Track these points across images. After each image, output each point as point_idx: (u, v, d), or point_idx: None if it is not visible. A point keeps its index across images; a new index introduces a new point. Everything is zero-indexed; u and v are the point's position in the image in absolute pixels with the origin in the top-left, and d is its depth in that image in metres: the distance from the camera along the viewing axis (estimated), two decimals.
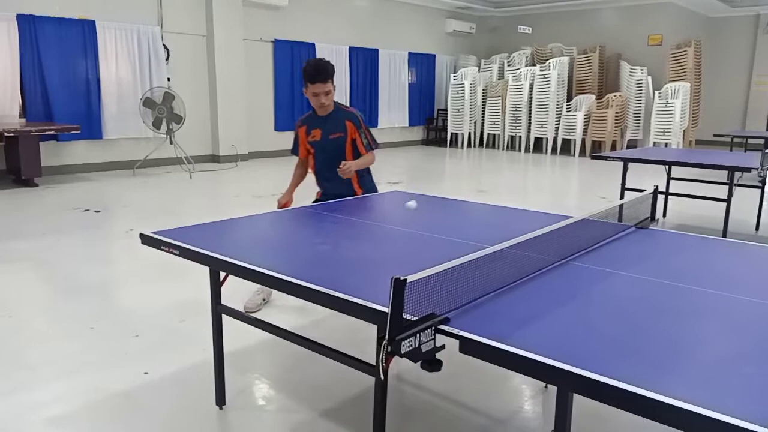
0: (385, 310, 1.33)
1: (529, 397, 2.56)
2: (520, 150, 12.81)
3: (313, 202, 3.31)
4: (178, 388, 2.57)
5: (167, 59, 9.23)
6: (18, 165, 7.29)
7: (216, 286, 2.27)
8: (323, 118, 3.34)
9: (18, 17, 7.67)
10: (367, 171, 3.48)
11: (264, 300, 3.50)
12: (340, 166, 3.18)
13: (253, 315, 3.34)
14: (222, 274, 2.26)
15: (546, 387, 2.59)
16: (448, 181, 9.40)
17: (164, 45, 9.16)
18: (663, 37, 12.47)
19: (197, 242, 2.07)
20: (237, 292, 3.68)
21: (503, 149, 13.05)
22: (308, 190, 3.61)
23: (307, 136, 3.38)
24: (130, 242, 4.96)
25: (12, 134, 6.98)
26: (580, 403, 1.53)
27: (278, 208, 3.37)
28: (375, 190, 3.51)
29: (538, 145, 12.72)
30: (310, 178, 3.60)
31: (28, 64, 7.86)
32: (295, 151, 3.54)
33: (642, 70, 12.15)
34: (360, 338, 2.96)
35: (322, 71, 3.17)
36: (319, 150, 3.38)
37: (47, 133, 7.61)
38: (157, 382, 2.61)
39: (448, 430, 2.29)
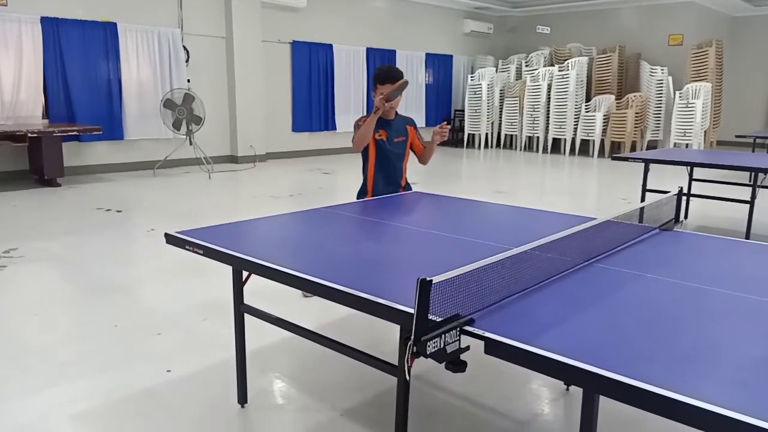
0: (411, 310, 1.34)
1: (550, 400, 2.54)
2: (537, 151, 12.74)
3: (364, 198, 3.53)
4: (200, 386, 2.60)
5: (187, 61, 9.33)
6: (41, 165, 7.41)
7: (239, 285, 2.29)
8: (389, 122, 3.57)
9: (42, 20, 7.80)
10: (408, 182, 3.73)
11: None
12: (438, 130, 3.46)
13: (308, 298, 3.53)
14: (245, 274, 2.28)
15: (567, 389, 2.58)
16: (466, 182, 9.37)
17: (184, 47, 9.26)
18: (684, 37, 12.32)
19: (221, 242, 2.09)
20: (259, 291, 3.71)
21: (521, 150, 12.98)
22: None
23: (374, 133, 3.57)
24: (152, 241, 5.02)
25: (35, 135, 7.10)
26: (603, 406, 1.52)
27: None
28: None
29: (556, 146, 12.63)
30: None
31: (51, 65, 7.99)
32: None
33: (662, 70, 12.02)
34: (378, 338, 2.97)
35: (394, 73, 3.44)
36: (381, 149, 3.58)
37: (70, 133, 7.73)
38: (179, 380, 2.64)
39: (470, 431, 2.28)
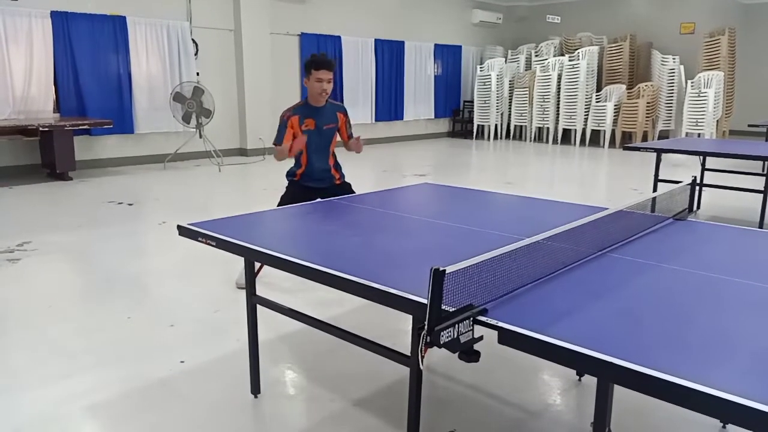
0: (424, 300, 1.34)
1: (562, 390, 2.54)
2: (547, 142, 12.66)
3: (293, 179, 3.64)
4: (214, 377, 2.62)
5: (196, 54, 9.34)
6: (53, 159, 7.46)
7: (251, 276, 2.30)
8: (317, 110, 3.59)
9: (52, 14, 7.83)
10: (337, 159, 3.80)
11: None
12: (355, 138, 3.65)
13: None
14: (257, 265, 2.29)
15: (580, 380, 2.57)
16: (475, 173, 9.34)
17: (193, 40, 9.26)
18: (696, 25, 12.18)
19: (233, 233, 2.10)
20: (270, 282, 3.73)
21: (530, 141, 12.91)
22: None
23: (300, 125, 3.59)
24: (163, 234, 5.05)
25: (47, 129, 7.14)
26: (616, 395, 1.52)
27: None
28: (344, 176, 3.76)
29: (567, 137, 12.55)
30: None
31: (62, 60, 8.02)
32: (279, 140, 3.63)
33: (674, 59, 11.88)
34: (389, 328, 2.98)
35: (329, 60, 3.53)
36: (311, 138, 3.59)
37: (81, 127, 7.76)
38: (193, 371, 2.66)
39: (482, 421, 2.29)
